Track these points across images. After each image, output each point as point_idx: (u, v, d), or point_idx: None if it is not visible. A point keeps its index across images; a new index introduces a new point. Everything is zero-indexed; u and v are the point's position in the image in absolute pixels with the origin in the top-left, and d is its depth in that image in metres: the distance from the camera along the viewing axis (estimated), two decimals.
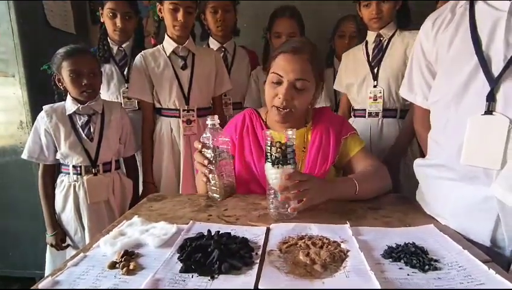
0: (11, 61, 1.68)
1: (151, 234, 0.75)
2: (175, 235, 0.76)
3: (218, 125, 0.90)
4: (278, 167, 0.81)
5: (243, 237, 0.72)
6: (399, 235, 0.71)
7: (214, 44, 1.75)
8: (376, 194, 0.95)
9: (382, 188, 0.97)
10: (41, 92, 1.63)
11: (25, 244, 1.84)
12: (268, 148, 0.82)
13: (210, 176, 0.91)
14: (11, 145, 1.75)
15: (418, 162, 0.88)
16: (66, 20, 2.02)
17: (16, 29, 1.65)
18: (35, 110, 1.59)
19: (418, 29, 0.88)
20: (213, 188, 0.94)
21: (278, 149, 0.81)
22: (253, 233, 0.76)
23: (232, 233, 0.75)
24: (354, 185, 0.90)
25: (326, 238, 0.71)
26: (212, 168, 0.89)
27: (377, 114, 1.38)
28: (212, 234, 0.74)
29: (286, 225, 0.79)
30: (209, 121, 0.89)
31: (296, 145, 1.00)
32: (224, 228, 0.78)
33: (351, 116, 1.50)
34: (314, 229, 0.77)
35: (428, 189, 0.84)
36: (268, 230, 0.77)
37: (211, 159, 0.89)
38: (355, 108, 1.47)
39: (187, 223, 0.82)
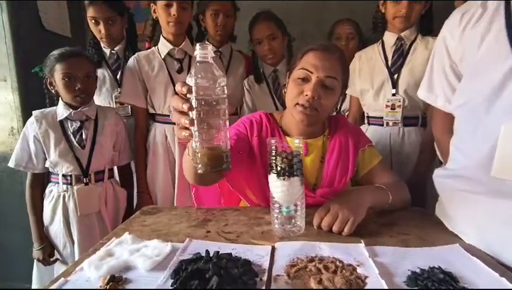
0: (3, 65, 1.61)
1: (142, 254, 0.67)
2: (169, 255, 0.68)
3: (211, 58, 0.58)
4: (283, 179, 0.73)
5: (246, 259, 0.64)
6: (421, 257, 0.63)
7: None
8: (399, 208, 0.89)
9: (405, 202, 0.91)
10: (34, 97, 1.55)
11: (14, 255, 1.75)
12: (273, 158, 0.74)
13: (193, 131, 0.58)
14: (2, 152, 1.67)
15: (438, 173, 0.80)
16: (61, 23, 1.96)
17: (9, 31, 1.59)
18: (27, 116, 1.49)
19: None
20: (192, 151, 0.61)
21: (284, 159, 0.73)
22: (257, 253, 0.68)
23: (233, 253, 0.67)
24: (387, 194, 0.84)
25: (340, 261, 0.63)
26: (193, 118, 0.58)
27: (395, 123, 1.28)
28: (211, 255, 0.66)
29: (293, 244, 0.71)
30: (198, 50, 0.57)
31: (314, 155, 0.94)
32: (224, 247, 0.70)
33: (363, 123, 1.41)
34: (325, 248, 0.69)
35: (450, 203, 0.76)
36: (273, 249, 0.69)
37: (194, 106, 0.57)
38: (370, 115, 1.38)
39: (183, 241, 0.74)
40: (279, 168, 0.74)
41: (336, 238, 0.73)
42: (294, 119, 0.91)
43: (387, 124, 1.30)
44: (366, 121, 1.39)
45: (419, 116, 1.28)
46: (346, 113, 1.54)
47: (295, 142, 0.75)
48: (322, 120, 0.94)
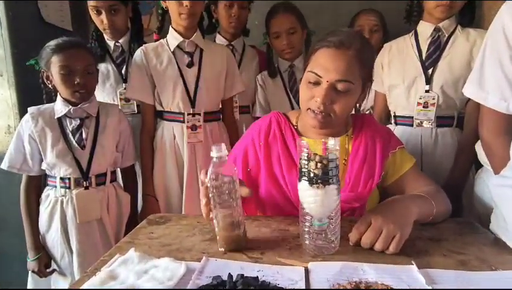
0: None
1: (151, 277, 0.56)
2: (184, 277, 0.57)
3: (226, 157, 0.66)
4: (317, 187, 0.62)
5: (276, 286, 0.53)
6: (490, 285, 0.53)
7: (221, 41, 1.58)
8: (442, 220, 0.78)
9: (448, 213, 0.80)
10: (32, 93, 1.44)
11: (10, 261, 1.65)
12: (305, 162, 0.64)
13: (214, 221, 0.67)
14: None
15: (497, 182, 0.69)
16: (62, 15, 1.85)
17: (5, 24, 1.48)
18: (25, 114, 1.41)
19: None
20: (217, 235, 0.69)
21: (318, 164, 0.62)
22: (289, 277, 0.57)
23: (260, 276, 0.57)
24: (431, 205, 0.73)
25: (392, 289, 0.52)
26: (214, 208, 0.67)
27: (428, 122, 1.16)
28: (234, 280, 0.55)
29: (330, 265, 0.60)
30: (214, 153, 0.64)
31: None
32: (247, 268, 0.60)
33: (389, 123, 1.29)
34: (369, 271, 0.57)
35: None
36: (306, 272, 0.59)
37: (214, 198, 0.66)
38: (398, 114, 1.25)
39: (198, 259, 0.63)
40: (312, 175, 0.63)
41: (378, 258, 0.62)
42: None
43: (419, 124, 1.17)
44: (393, 121, 1.27)
45: (455, 116, 1.15)
46: (368, 112, 1.43)
47: (330, 144, 0.63)
48: (339, 123, 0.85)
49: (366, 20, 1.56)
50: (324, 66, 0.77)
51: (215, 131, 1.35)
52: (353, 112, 0.90)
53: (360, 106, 1.41)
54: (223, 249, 0.68)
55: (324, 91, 0.76)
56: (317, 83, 0.78)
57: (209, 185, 0.65)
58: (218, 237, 0.68)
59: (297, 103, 1.46)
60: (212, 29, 1.62)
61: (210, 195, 0.65)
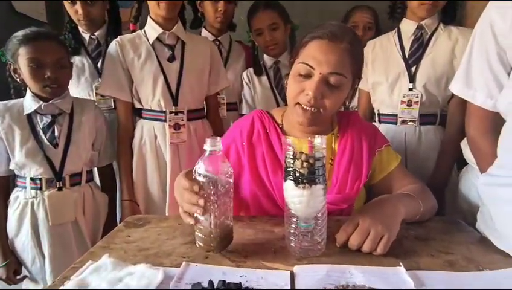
0: None
1: (125, 286, 0.52)
2: (161, 284, 0.54)
3: (220, 151, 0.63)
4: (303, 188, 0.60)
5: None
6: (478, 286, 0.52)
7: (206, 36, 1.52)
8: (428, 218, 0.77)
9: (434, 211, 0.79)
10: (2, 89, 1.36)
11: None
12: (291, 161, 0.61)
13: (201, 218, 0.63)
14: None
15: (484, 180, 0.68)
16: (35, 5, 1.75)
17: None
18: None
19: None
20: (202, 235, 0.64)
21: (304, 163, 0.60)
22: (273, 282, 0.54)
23: (243, 282, 0.54)
24: (418, 203, 0.72)
25: None
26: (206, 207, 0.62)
27: (411, 120, 1.15)
28: (216, 286, 0.51)
29: (316, 268, 0.58)
30: (208, 146, 0.62)
31: None
32: (230, 273, 0.57)
33: (373, 121, 1.28)
34: (357, 274, 0.56)
35: (502, 216, 0.64)
36: (292, 276, 0.56)
37: (210, 193, 0.62)
38: (382, 112, 1.24)
39: (177, 264, 0.60)
40: (297, 174, 0.60)
41: (365, 259, 0.60)
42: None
43: (402, 122, 1.17)
44: (376, 119, 1.26)
45: (438, 114, 1.15)
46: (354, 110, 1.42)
47: (316, 143, 0.61)
48: (326, 119, 0.83)
49: (361, 17, 1.55)
50: (317, 58, 0.73)
51: (200, 130, 1.28)
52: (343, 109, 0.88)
53: (349, 104, 1.40)
54: (217, 251, 0.64)
55: (316, 84, 0.73)
56: (308, 76, 0.75)
57: (208, 177, 0.61)
58: (212, 237, 0.63)
59: (283, 100, 1.44)
60: (198, 24, 1.57)
61: (204, 188, 0.61)
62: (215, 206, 0.62)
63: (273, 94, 1.46)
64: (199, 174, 0.62)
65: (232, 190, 0.65)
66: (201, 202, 0.60)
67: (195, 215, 0.64)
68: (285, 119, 0.88)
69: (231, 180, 0.64)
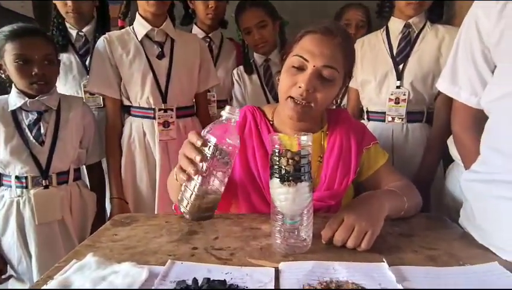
0: None
1: (109, 284, 0.52)
2: (146, 283, 0.53)
3: (235, 123, 0.63)
4: (288, 185, 0.60)
5: (245, 288, 0.51)
6: (459, 280, 0.53)
7: (198, 33, 1.52)
8: (413, 214, 0.79)
9: (418, 208, 0.81)
10: None
11: None
12: (276, 158, 0.61)
13: (194, 180, 0.61)
14: None
15: (467, 177, 0.69)
16: (22, 1, 1.72)
17: None
18: None
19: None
20: (184, 197, 0.62)
21: (290, 160, 0.60)
22: (258, 279, 0.54)
23: (228, 279, 0.54)
24: (403, 200, 0.73)
25: (362, 288, 0.51)
26: (201, 168, 0.60)
27: (399, 118, 1.17)
28: (200, 284, 0.51)
29: (301, 265, 0.58)
30: (225, 113, 0.62)
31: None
32: (215, 271, 0.57)
33: (361, 119, 1.30)
34: (341, 270, 0.56)
35: (483, 212, 0.66)
36: (277, 272, 0.56)
37: (207, 157, 0.60)
38: (370, 110, 1.25)
39: (163, 263, 0.59)
40: (283, 172, 0.60)
41: (350, 256, 0.61)
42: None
43: (390, 119, 1.19)
44: (365, 117, 1.27)
45: (425, 112, 1.17)
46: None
47: (302, 140, 0.61)
48: (317, 115, 0.83)
49: (354, 15, 1.55)
50: (311, 50, 0.74)
51: (189, 127, 1.28)
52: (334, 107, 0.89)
53: (340, 102, 1.41)
54: (188, 217, 0.62)
55: (309, 76, 0.73)
56: (301, 69, 0.75)
57: (211, 146, 0.59)
58: (190, 202, 0.61)
59: (274, 98, 1.44)
60: (189, 21, 1.56)
61: (206, 154, 0.59)
62: (207, 172, 0.60)
63: (264, 92, 1.46)
64: (205, 134, 0.62)
65: (229, 168, 0.63)
66: (197, 158, 0.58)
67: (186, 172, 0.61)
68: (276, 116, 0.88)
69: (232, 159, 0.62)
